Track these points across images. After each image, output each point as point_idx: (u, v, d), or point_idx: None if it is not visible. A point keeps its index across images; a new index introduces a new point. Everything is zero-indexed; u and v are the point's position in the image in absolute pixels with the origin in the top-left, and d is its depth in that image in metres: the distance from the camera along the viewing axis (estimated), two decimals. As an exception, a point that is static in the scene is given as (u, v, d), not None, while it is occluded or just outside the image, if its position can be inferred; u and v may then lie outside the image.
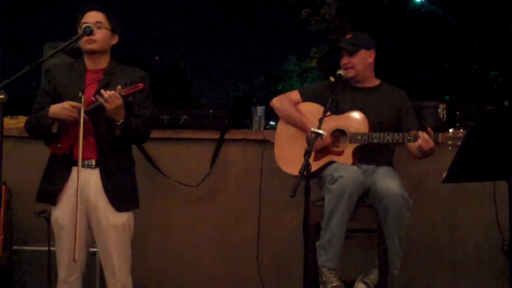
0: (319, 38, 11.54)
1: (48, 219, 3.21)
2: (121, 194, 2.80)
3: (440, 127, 3.37)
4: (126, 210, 2.82)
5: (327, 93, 3.20)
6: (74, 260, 2.67)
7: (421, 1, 13.03)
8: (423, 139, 2.90)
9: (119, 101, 2.61)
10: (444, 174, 2.60)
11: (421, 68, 14.67)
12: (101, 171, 2.77)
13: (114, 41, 2.90)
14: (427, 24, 12.98)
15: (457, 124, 3.72)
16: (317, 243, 3.06)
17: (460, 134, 2.80)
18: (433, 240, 3.75)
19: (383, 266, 3.08)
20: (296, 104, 3.37)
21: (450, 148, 2.85)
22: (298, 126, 3.31)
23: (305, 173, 2.55)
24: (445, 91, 14.55)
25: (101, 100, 2.61)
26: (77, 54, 4.01)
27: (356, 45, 3.26)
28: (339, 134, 3.20)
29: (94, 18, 2.81)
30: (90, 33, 2.74)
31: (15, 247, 3.64)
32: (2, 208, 3.40)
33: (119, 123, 2.68)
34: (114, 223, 2.78)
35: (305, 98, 3.39)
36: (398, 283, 3.58)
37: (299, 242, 3.29)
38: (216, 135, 3.88)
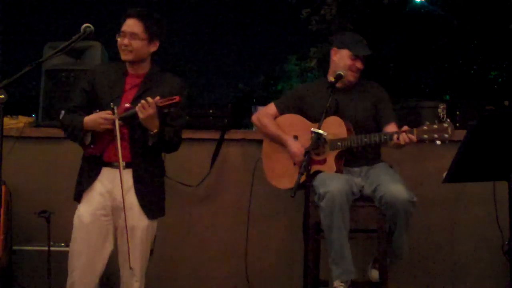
0: (319, 38, 11.56)
1: (48, 219, 3.22)
2: (150, 198, 2.81)
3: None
4: (155, 217, 2.84)
5: (305, 96, 3.30)
6: (130, 268, 2.68)
7: (421, 1, 13.03)
8: (403, 139, 2.88)
9: (151, 111, 2.60)
10: (444, 174, 2.60)
11: (421, 68, 14.69)
12: (133, 172, 2.76)
13: (154, 48, 2.83)
14: (427, 24, 12.99)
15: (457, 124, 3.72)
16: (329, 259, 3.01)
17: (436, 126, 2.76)
18: (433, 240, 3.74)
19: (383, 266, 3.08)
20: (274, 117, 3.37)
21: (426, 142, 2.81)
22: (278, 142, 3.31)
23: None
24: (445, 91, 14.56)
25: (136, 109, 2.62)
26: (77, 54, 4.04)
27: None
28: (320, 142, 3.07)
29: (131, 28, 2.76)
30: (90, 33, 2.73)
31: (15, 247, 3.64)
32: (2, 208, 3.39)
33: (152, 133, 2.68)
34: (142, 223, 2.78)
35: (282, 109, 3.37)
36: (398, 283, 3.58)
37: (299, 242, 3.29)
38: (216, 135, 3.88)
